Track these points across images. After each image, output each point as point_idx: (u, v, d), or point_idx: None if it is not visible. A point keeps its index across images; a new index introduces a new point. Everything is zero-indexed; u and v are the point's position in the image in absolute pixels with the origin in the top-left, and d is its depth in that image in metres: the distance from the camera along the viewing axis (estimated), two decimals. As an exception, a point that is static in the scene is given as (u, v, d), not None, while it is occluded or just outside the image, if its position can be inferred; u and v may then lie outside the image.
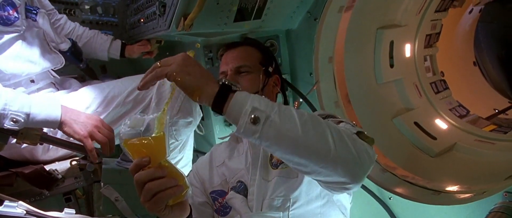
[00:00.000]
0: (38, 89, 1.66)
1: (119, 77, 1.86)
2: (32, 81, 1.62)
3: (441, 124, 2.40)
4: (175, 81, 0.86)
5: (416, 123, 2.26)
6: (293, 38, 2.14)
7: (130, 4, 2.43)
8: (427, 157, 2.09)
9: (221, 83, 0.87)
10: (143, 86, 0.92)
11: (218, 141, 2.34)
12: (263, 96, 0.90)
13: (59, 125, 1.32)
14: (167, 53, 2.36)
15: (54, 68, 1.73)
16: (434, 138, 2.21)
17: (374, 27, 2.22)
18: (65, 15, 2.13)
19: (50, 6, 1.95)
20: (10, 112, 1.22)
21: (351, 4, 1.96)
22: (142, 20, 2.07)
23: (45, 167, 1.52)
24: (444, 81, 2.76)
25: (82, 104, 1.59)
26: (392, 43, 2.33)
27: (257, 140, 0.84)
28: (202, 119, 2.26)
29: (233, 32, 1.92)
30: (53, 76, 1.80)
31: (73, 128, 1.33)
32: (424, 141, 2.17)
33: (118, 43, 2.19)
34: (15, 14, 1.40)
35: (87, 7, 2.55)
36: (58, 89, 1.80)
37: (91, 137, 1.35)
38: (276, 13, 1.87)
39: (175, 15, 1.56)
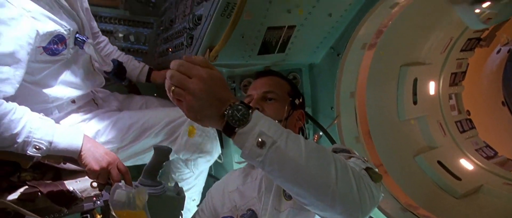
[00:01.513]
0: (78, 108, 1.74)
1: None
2: (73, 101, 1.70)
3: (466, 164, 2.32)
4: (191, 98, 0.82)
5: (439, 162, 2.20)
6: (315, 72, 2.17)
7: (160, 34, 2.55)
8: (450, 198, 2.02)
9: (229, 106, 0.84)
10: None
11: (236, 168, 2.36)
12: (276, 121, 0.90)
13: (78, 155, 1.39)
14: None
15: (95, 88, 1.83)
16: (459, 179, 2.14)
17: (398, 64, 2.22)
18: (107, 38, 2.26)
19: (96, 28, 2.10)
20: (34, 140, 1.31)
21: (374, 42, 1.99)
22: (170, 49, 2.17)
23: (65, 183, 1.58)
24: (470, 120, 2.70)
25: (117, 133, 1.66)
26: (415, 80, 2.32)
27: (260, 164, 0.84)
28: (222, 146, 2.29)
29: (256, 64, 1.98)
30: (94, 92, 1.88)
31: (88, 161, 1.40)
32: (448, 181, 2.10)
33: (146, 69, 2.29)
34: (63, 46, 1.49)
35: (121, 35, 2.71)
36: (98, 105, 1.87)
37: (105, 171, 1.40)
38: (300, 47, 1.91)
39: (201, 47, 1.63)
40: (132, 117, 1.77)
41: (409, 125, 2.35)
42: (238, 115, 0.83)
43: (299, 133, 1.41)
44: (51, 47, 1.45)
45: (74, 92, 1.66)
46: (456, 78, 2.62)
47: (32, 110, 1.37)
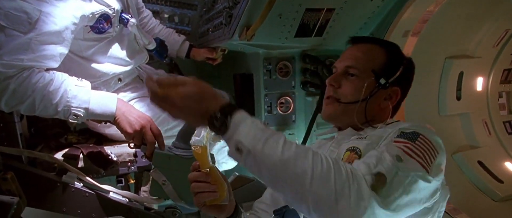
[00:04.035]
0: (125, 85, 1.82)
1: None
2: (119, 80, 1.78)
3: (511, 167, 2.18)
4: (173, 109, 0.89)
5: (480, 162, 2.09)
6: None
7: (203, 15, 2.62)
8: (488, 200, 1.92)
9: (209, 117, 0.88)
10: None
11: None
12: (259, 122, 0.89)
13: (113, 119, 1.48)
14: (230, 64, 2.49)
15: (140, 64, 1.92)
16: (501, 181, 2.02)
17: (442, 56, 2.12)
18: (150, 12, 2.35)
19: (141, 3, 2.17)
20: (72, 108, 1.41)
21: (418, 30, 1.91)
22: (210, 29, 2.23)
23: (105, 148, 1.71)
24: (521, 122, 2.51)
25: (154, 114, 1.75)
26: (461, 74, 2.20)
27: (242, 165, 0.88)
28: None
29: (293, 47, 1.98)
30: (139, 69, 1.97)
31: (123, 124, 1.48)
32: (488, 182, 1.99)
33: (186, 44, 2.36)
34: (109, 25, 1.57)
35: (166, 15, 2.80)
36: (143, 82, 1.95)
37: (139, 134, 1.48)
38: (338, 32, 1.88)
39: (238, 25, 1.66)
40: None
41: (450, 121, 2.25)
42: (217, 125, 0.87)
43: (389, 114, 1.28)
44: (98, 26, 1.52)
45: (120, 69, 1.75)
46: (509, 75, 2.44)
47: None
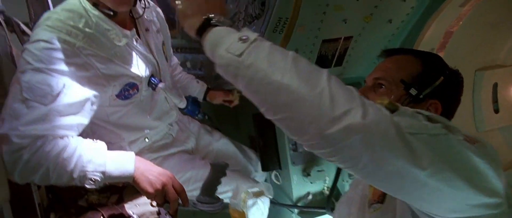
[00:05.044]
0: (152, 144, 1.76)
1: None
2: (146, 138, 1.71)
3: None
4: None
5: (534, 178, 1.88)
6: (376, 84, 2.02)
7: (214, 57, 2.59)
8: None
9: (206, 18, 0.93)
10: None
11: (295, 191, 2.26)
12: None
13: (132, 180, 1.39)
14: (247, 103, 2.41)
15: (170, 122, 1.84)
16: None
17: (472, 69, 1.99)
18: (179, 67, 2.31)
19: (175, 59, 2.20)
20: (88, 173, 1.32)
21: (442, 46, 1.80)
22: (224, 71, 2.18)
23: (126, 207, 1.61)
24: None
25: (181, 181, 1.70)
26: (495, 85, 2.05)
27: (236, 65, 0.80)
28: (280, 167, 2.21)
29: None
30: (170, 125, 1.89)
31: (144, 185, 1.38)
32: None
33: (204, 87, 2.32)
34: (135, 91, 1.51)
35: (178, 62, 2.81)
36: (173, 137, 1.88)
37: (161, 193, 1.38)
38: (358, 59, 1.79)
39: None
40: (200, 169, 1.77)
41: (491, 137, 2.07)
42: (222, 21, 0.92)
43: None
44: (123, 93, 1.47)
45: (149, 131, 1.69)
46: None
47: (107, 148, 1.41)
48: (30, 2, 2.01)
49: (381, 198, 1.06)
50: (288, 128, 0.79)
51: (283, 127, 0.79)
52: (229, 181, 1.84)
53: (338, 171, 1.88)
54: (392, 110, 0.80)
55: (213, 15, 0.93)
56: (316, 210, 2.11)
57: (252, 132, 2.49)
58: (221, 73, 0.88)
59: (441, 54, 1.85)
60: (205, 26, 0.93)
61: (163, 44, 1.76)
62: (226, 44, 0.83)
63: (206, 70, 2.79)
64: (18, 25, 1.76)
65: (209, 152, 2.08)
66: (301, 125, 0.74)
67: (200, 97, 2.32)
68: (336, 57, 1.72)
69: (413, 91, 1.12)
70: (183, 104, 1.85)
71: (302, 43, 1.55)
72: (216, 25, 0.92)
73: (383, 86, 1.16)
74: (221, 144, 2.14)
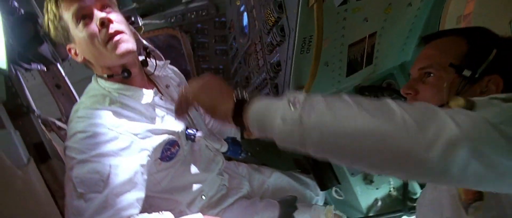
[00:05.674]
0: (210, 198, 1.72)
1: None
2: (203, 196, 1.68)
3: None
4: (195, 101, 1.02)
5: None
6: (409, 69, 1.94)
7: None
8: None
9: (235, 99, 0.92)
10: (178, 115, 1.13)
11: (363, 201, 2.15)
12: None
13: None
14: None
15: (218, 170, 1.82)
16: None
17: (506, 22, 1.88)
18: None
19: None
20: None
21: (468, 13, 1.72)
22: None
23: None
24: None
25: None
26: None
27: (298, 133, 0.75)
28: (338, 182, 2.12)
29: (348, 87, 1.83)
30: (221, 176, 1.86)
31: None
32: None
33: (238, 128, 2.29)
34: (176, 148, 1.51)
35: (203, 109, 2.81)
36: (227, 188, 1.85)
37: None
38: (386, 52, 1.73)
39: (290, 91, 1.55)
40: (265, 212, 1.73)
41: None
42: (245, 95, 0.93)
43: None
44: (166, 154, 1.47)
45: (202, 184, 1.66)
46: None
47: None
48: (57, 98, 2.08)
49: (477, 195, 0.97)
50: (383, 169, 0.74)
51: (377, 171, 0.75)
52: (299, 214, 1.77)
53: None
54: (470, 107, 0.75)
55: (238, 93, 0.91)
56: (393, 215, 2.00)
57: (296, 155, 2.43)
58: (281, 144, 0.83)
59: (468, 20, 1.77)
60: (239, 107, 0.90)
61: None
62: (277, 114, 0.78)
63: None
64: (54, 123, 1.81)
65: (264, 190, 2.02)
66: (398, 162, 0.69)
67: (238, 136, 2.29)
68: (365, 57, 1.66)
69: (466, 73, 1.05)
70: (224, 148, 1.83)
71: (330, 55, 1.51)
72: (247, 101, 0.90)
73: (432, 75, 1.10)
74: (274, 179, 2.09)
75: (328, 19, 1.29)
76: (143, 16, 2.46)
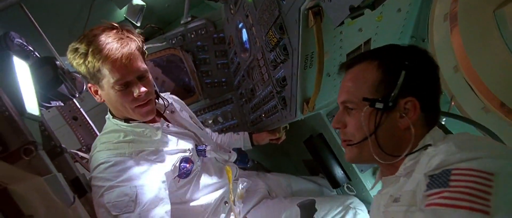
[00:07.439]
0: (233, 203, 1.85)
1: None
2: (226, 202, 1.83)
3: None
4: None
5: None
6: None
7: (243, 105, 2.68)
8: None
9: None
10: None
11: (373, 194, 2.25)
12: None
13: None
14: (293, 133, 2.48)
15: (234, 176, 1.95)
16: None
17: (489, 11, 1.98)
18: (209, 130, 2.44)
19: (209, 130, 2.33)
20: None
21: (455, 6, 1.82)
22: (263, 115, 2.26)
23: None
24: None
25: None
26: (518, 18, 2.03)
27: None
28: (349, 179, 2.23)
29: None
30: (236, 184, 1.98)
31: None
32: None
33: (247, 136, 2.41)
34: (191, 164, 1.67)
35: (210, 121, 2.91)
36: (246, 190, 1.98)
37: None
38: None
39: (297, 104, 1.66)
40: (293, 209, 1.84)
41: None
42: None
43: (421, 128, 1.08)
44: (183, 172, 1.63)
45: (220, 191, 1.80)
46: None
47: None
48: (75, 130, 2.18)
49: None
50: None
51: None
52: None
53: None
54: None
55: None
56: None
57: (305, 156, 2.53)
58: None
59: (456, 5, 1.86)
60: None
61: (191, 117, 1.94)
62: None
63: (237, 118, 2.89)
64: (77, 154, 1.92)
65: (284, 189, 2.17)
66: None
67: (248, 146, 2.41)
68: (362, 61, 1.77)
69: (379, 105, 1.07)
70: (233, 158, 1.97)
71: (331, 66, 1.62)
72: None
73: (353, 109, 1.13)
74: (286, 179, 2.22)
75: (327, 35, 1.41)
76: (145, 41, 2.56)
